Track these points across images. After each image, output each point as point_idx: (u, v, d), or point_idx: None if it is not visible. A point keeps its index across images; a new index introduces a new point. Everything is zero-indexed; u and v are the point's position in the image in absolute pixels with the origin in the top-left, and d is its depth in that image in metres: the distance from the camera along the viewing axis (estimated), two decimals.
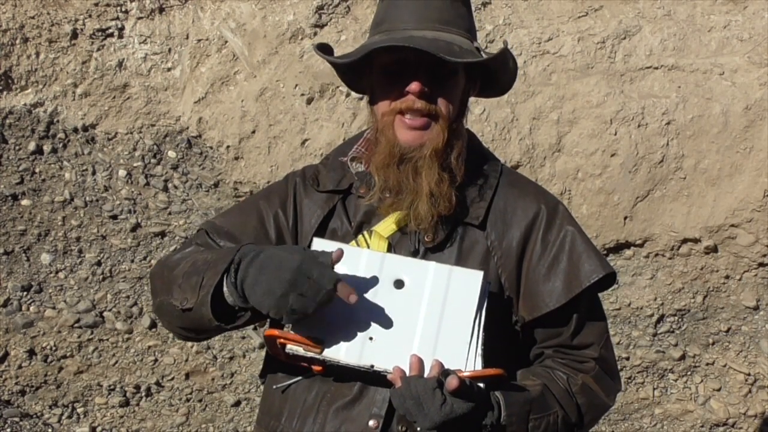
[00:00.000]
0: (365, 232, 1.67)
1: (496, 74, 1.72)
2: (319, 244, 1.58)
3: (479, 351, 1.52)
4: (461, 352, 1.51)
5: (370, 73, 1.69)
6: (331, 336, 1.53)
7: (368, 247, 1.66)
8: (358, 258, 1.57)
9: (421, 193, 1.61)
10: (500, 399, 1.54)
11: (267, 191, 1.84)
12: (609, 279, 1.71)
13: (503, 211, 1.70)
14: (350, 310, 1.51)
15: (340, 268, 1.53)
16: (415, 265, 1.57)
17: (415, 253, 1.66)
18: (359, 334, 1.53)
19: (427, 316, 1.53)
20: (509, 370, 1.63)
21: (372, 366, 1.51)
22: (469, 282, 1.54)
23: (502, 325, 1.67)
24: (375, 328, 1.53)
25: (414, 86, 1.58)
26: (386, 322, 1.53)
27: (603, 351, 1.73)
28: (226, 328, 1.57)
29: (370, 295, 1.55)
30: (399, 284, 1.55)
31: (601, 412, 1.74)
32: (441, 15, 1.61)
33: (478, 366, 1.51)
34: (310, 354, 1.52)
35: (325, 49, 1.70)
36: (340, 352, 1.52)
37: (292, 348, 1.53)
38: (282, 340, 1.53)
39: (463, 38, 1.63)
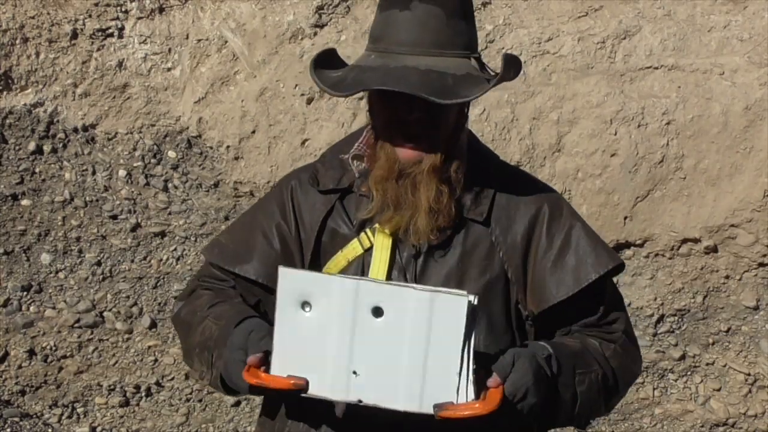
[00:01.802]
0: (368, 230, 1.67)
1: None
2: (286, 274, 1.48)
3: (471, 378, 1.45)
4: (451, 384, 1.44)
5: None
6: (313, 373, 1.46)
7: (371, 245, 1.64)
8: (329, 287, 1.45)
9: (420, 208, 1.60)
10: (551, 351, 1.57)
11: (264, 203, 1.85)
12: (618, 267, 1.73)
13: (506, 207, 1.70)
14: (329, 344, 1.45)
15: (316, 299, 1.45)
16: (393, 292, 1.45)
17: (418, 254, 1.65)
18: (342, 368, 1.45)
19: (411, 346, 1.44)
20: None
21: (360, 401, 1.46)
22: (453, 308, 1.43)
23: (509, 321, 1.68)
24: (357, 361, 1.45)
25: (408, 119, 1.58)
26: (368, 354, 1.45)
27: (627, 325, 1.76)
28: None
29: (347, 326, 1.45)
30: (377, 312, 1.45)
31: (632, 379, 1.77)
32: (437, 37, 1.57)
33: (471, 395, 1.44)
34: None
35: (324, 59, 1.66)
36: (326, 390, 1.46)
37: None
38: (261, 386, 1.46)
39: (461, 59, 1.59)
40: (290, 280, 1.46)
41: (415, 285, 1.49)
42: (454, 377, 1.43)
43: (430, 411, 1.43)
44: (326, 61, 1.66)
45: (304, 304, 1.46)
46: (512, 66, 1.60)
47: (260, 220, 1.78)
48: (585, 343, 1.68)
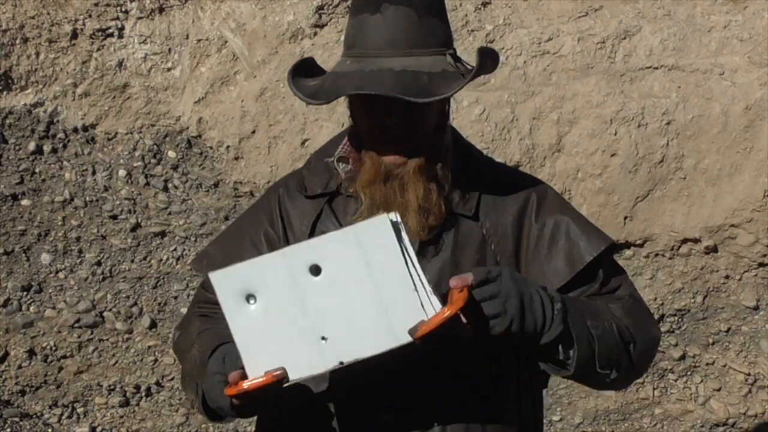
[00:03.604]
0: None
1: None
2: (216, 278, 1.45)
3: (429, 290, 1.42)
4: (414, 304, 1.41)
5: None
6: (285, 360, 1.43)
7: None
8: (260, 268, 1.43)
9: (409, 208, 1.60)
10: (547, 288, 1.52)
11: (251, 212, 1.85)
12: (610, 246, 1.72)
13: (494, 200, 1.71)
14: (288, 323, 1.43)
15: (256, 287, 1.43)
16: (317, 245, 1.43)
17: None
18: (310, 340, 1.43)
19: (361, 287, 1.42)
20: (513, 358, 1.65)
21: (341, 363, 1.43)
22: (378, 232, 1.41)
23: None
24: (320, 326, 1.42)
25: (388, 122, 1.59)
26: (327, 314, 1.43)
27: (633, 291, 1.72)
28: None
29: (295, 297, 1.42)
30: (316, 270, 1.43)
31: (652, 341, 1.68)
32: (410, 37, 1.58)
33: (437, 305, 1.41)
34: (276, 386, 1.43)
35: (302, 68, 1.67)
36: (305, 369, 1.43)
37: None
38: (243, 393, 1.43)
39: (436, 57, 1.60)
40: (223, 281, 1.44)
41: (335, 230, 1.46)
42: (413, 295, 1.41)
43: (409, 339, 1.41)
44: (304, 70, 1.68)
45: (249, 298, 1.44)
46: (488, 58, 1.62)
47: (248, 229, 1.79)
48: (591, 300, 1.64)
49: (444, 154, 1.67)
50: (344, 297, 1.42)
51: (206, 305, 1.79)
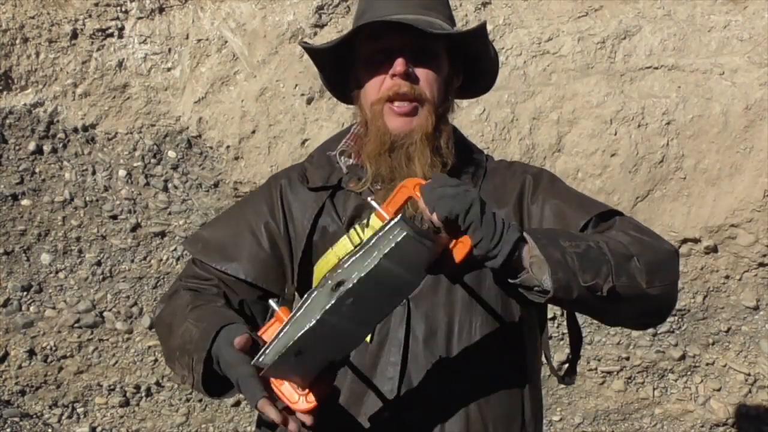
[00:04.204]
0: (357, 227, 1.66)
1: (478, 60, 1.74)
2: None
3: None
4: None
5: (353, 67, 1.70)
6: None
7: (361, 241, 1.62)
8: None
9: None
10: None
11: (252, 200, 1.81)
12: (605, 214, 1.68)
13: (493, 191, 1.72)
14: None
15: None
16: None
17: None
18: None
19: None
20: (523, 336, 1.67)
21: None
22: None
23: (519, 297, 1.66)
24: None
25: (399, 64, 1.59)
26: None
27: (632, 219, 1.67)
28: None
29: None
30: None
31: (662, 253, 1.56)
32: (422, 2, 1.64)
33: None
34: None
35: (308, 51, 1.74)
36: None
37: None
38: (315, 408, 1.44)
39: (443, 22, 1.65)
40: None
41: (352, 263, 1.37)
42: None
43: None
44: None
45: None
46: (486, 32, 1.69)
47: (248, 218, 1.75)
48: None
49: (448, 130, 1.67)
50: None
51: (195, 280, 1.74)
